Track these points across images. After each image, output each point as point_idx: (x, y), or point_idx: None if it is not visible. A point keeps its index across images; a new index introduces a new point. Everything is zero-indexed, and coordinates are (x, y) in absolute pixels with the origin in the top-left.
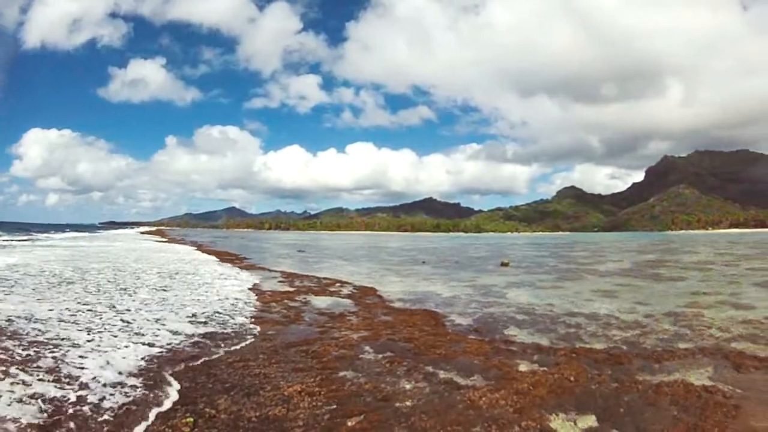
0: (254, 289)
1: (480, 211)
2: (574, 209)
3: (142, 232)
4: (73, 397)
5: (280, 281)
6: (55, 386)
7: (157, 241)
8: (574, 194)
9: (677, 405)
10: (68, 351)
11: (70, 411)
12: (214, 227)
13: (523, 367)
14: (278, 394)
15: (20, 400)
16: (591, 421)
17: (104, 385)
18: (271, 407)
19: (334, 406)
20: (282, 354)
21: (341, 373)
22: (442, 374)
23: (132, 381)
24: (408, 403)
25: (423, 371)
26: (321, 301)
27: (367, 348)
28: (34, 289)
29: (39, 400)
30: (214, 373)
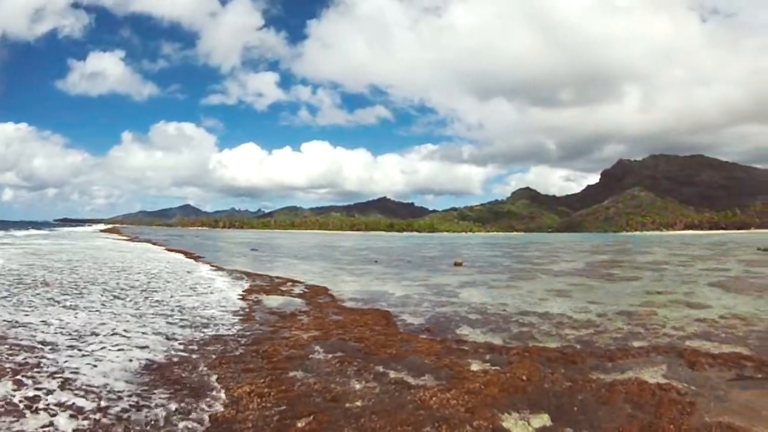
0: None
1: (434, 211)
2: (529, 210)
3: (102, 230)
4: None
5: (232, 280)
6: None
7: (118, 239)
8: (528, 195)
9: (631, 403)
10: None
11: None
12: (168, 225)
13: (475, 366)
14: (228, 395)
15: None
16: (544, 419)
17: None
18: (221, 408)
19: (284, 407)
20: (232, 354)
21: (291, 374)
22: (392, 374)
23: None
24: (358, 404)
25: (373, 371)
26: (272, 301)
27: (317, 348)
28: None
29: None
30: (162, 373)
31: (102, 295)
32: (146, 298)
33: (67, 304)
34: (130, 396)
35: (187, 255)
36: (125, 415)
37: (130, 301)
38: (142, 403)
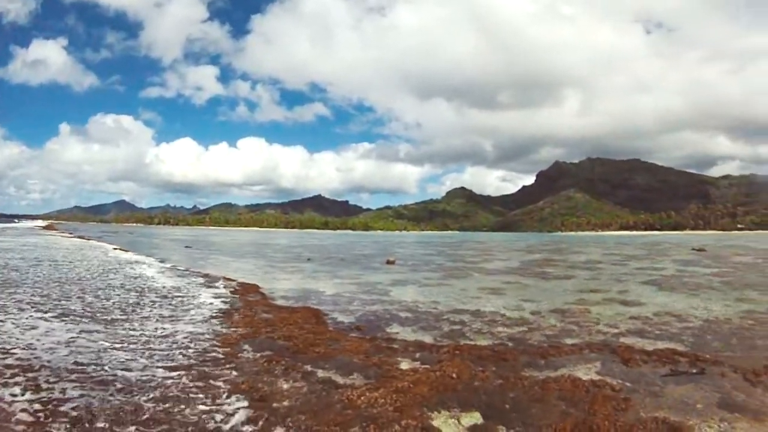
0: None
1: (368, 209)
2: (464, 209)
3: (43, 227)
4: None
5: (166, 278)
6: None
7: (61, 236)
8: (464, 195)
9: (565, 400)
10: None
11: None
12: (103, 221)
13: (405, 364)
14: (156, 395)
15: None
16: (475, 418)
17: None
18: (150, 409)
19: (214, 408)
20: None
21: (216, 371)
22: (320, 373)
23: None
24: (285, 403)
25: (301, 370)
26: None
27: (245, 346)
28: None
29: None
30: (90, 373)
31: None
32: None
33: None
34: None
35: (123, 251)
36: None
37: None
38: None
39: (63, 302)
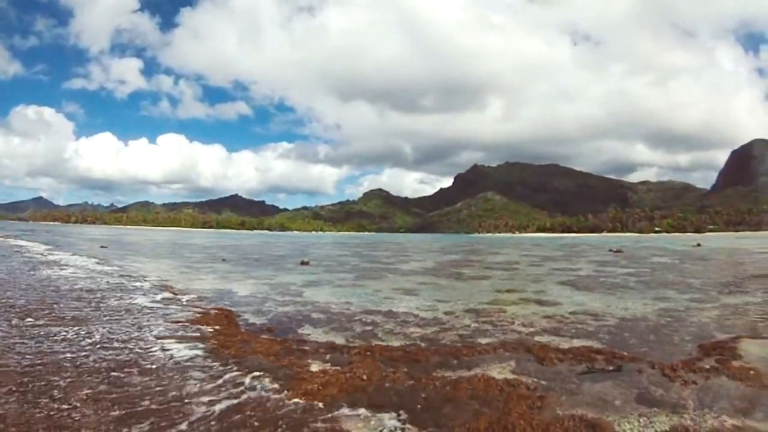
0: None
1: (285, 209)
2: (381, 210)
3: None
4: None
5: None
6: None
7: None
8: (381, 196)
9: (478, 399)
10: None
11: None
12: (21, 219)
13: (315, 366)
14: (65, 401)
15: None
16: (386, 419)
17: None
18: (58, 414)
19: (123, 412)
20: (75, 356)
21: (130, 377)
22: (230, 375)
23: None
24: (194, 408)
25: (211, 372)
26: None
27: (152, 349)
28: None
29: None
30: None
31: None
32: None
33: None
34: None
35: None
36: None
37: None
38: None
39: None
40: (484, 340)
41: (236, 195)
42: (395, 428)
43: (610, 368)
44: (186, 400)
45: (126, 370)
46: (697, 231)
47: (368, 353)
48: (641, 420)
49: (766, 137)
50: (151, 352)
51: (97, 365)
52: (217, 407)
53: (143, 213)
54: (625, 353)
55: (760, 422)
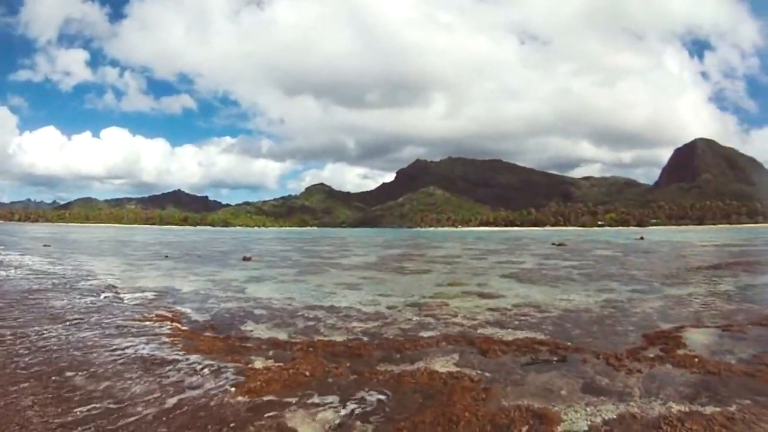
0: None
1: (228, 205)
2: (323, 205)
3: None
4: None
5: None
6: None
7: None
8: (323, 191)
9: (422, 393)
10: None
11: None
12: None
13: (258, 363)
14: (8, 407)
15: None
16: (330, 415)
17: None
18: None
19: (69, 419)
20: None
21: (72, 380)
22: (173, 375)
23: None
24: (140, 409)
25: (154, 372)
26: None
27: (96, 350)
28: None
29: None
30: None
31: None
32: None
33: None
34: None
35: None
36: None
37: None
38: None
39: None
40: (426, 334)
41: (179, 190)
42: (340, 424)
43: (555, 359)
44: (131, 401)
45: (69, 372)
46: (640, 225)
47: (311, 349)
48: (588, 409)
49: (709, 137)
50: (94, 353)
51: (40, 369)
52: (162, 407)
53: (86, 210)
54: (569, 344)
55: (705, 407)
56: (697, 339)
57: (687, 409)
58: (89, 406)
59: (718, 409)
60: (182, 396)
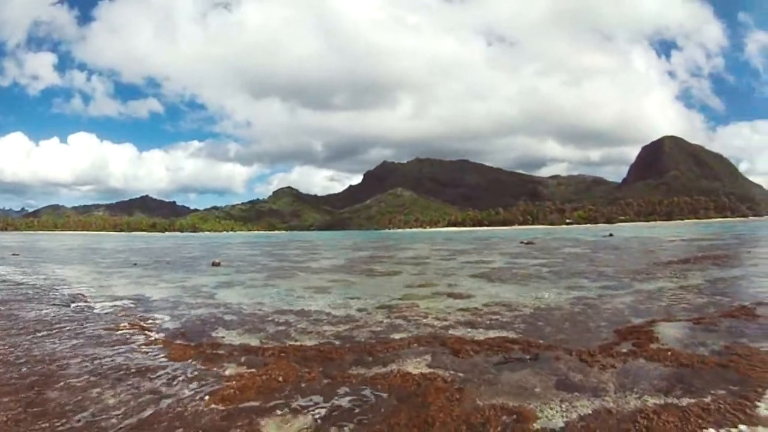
0: None
1: (196, 210)
2: (291, 209)
3: None
4: None
5: None
6: None
7: None
8: (291, 194)
9: (395, 395)
10: None
11: None
12: None
13: (230, 370)
14: None
15: None
16: (306, 420)
17: None
18: None
19: None
20: None
21: (46, 393)
22: (146, 385)
23: None
24: (114, 421)
25: (127, 382)
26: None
27: (68, 362)
28: None
29: None
30: None
31: None
32: None
33: None
34: None
35: None
36: None
37: None
38: None
39: None
40: (398, 336)
41: (147, 196)
42: (315, 429)
43: (527, 357)
44: (106, 413)
45: (42, 386)
46: (608, 222)
47: (283, 354)
48: (563, 405)
49: (676, 134)
50: (67, 364)
51: (11, 383)
52: (138, 418)
53: (54, 217)
54: (541, 342)
55: (680, 399)
56: (669, 332)
57: (662, 402)
58: (64, 420)
59: (693, 400)
60: (157, 406)
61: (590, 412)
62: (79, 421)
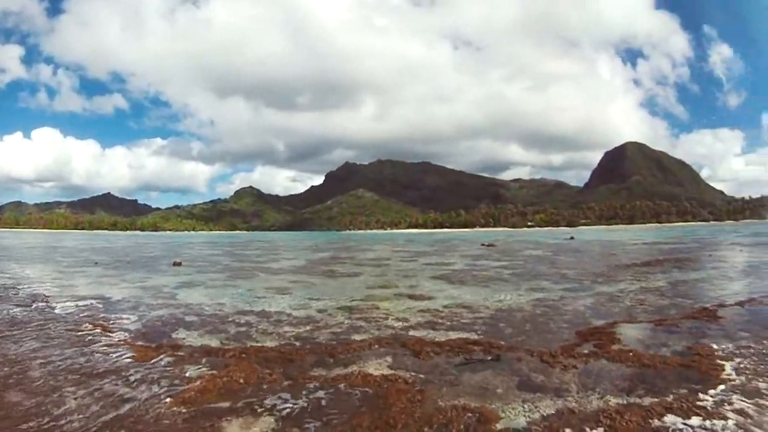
0: None
1: (158, 209)
2: (253, 209)
3: None
4: None
5: None
6: None
7: None
8: (252, 194)
9: (357, 396)
10: None
11: None
12: None
13: (191, 372)
14: None
15: None
16: (268, 422)
17: None
18: None
19: None
20: None
21: (6, 396)
22: (107, 387)
23: None
24: (76, 425)
25: (87, 385)
26: None
27: (29, 363)
28: None
29: None
30: None
31: None
32: None
33: None
34: None
35: None
36: None
37: None
38: None
39: None
40: (359, 337)
41: (109, 194)
42: (276, 431)
43: (489, 358)
44: (67, 417)
45: (0, 389)
46: (570, 225)
47: (243, 355)
48: (526, 405)
49: (640, 140)
50: (27, 367)
51: None
52: (99, 421)
53: (16, 214)
54: (503, 343)
55: (643, 398)
56: (631, 334)
57: (625, 402)
58: (24, 424)
59: (656, 399)
60: (119, 409)
61: (553, 412)
62: (40, 424)
